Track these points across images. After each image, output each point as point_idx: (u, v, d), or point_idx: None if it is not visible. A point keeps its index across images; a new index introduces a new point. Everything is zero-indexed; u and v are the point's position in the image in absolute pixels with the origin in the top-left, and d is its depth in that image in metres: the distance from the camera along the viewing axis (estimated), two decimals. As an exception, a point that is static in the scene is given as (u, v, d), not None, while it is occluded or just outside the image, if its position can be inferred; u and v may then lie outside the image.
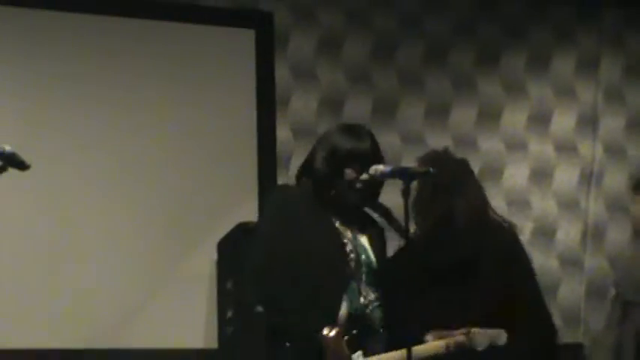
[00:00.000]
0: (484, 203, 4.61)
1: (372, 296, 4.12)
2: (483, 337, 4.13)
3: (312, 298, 4.00)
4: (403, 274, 4.47)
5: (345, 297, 4.05)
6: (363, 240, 4.20)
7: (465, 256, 4.31)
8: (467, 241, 4.33)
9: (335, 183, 4.14)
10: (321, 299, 4.02)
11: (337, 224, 4.16)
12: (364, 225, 4.26)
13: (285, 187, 4.43)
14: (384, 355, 4.04)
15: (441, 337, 4.15)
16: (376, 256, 4.21)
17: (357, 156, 4.14)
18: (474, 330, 4.13)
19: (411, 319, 4.28)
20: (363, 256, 4.15)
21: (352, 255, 4.12)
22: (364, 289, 4.11)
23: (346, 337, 3.97)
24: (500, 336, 4.18)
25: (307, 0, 6.59)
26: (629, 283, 4.96)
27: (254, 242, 4.22)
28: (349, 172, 4.13)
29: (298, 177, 4.28)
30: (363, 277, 4.12)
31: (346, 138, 4.19)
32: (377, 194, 4.27)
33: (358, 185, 4.13)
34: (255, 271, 4.13)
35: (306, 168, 4.25)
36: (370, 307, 4.10)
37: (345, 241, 4.13)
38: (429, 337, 4.14)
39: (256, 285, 4.12)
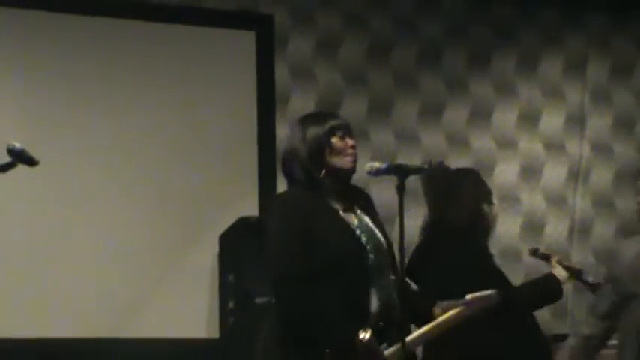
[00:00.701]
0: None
1: (391, 278, 4.05)
2: (478, 302, 4.13)
3: (343, 298, 3.91)
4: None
5: (373, 290, 3.98)
6: (367, 220, 4.12)
7: None
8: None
9: (324, 161, 4.07)
10: (353, 298, 3.94)
11: (341, 213, 4.07)
12: (361, 201, 4.19)
13: (284, 192, 4.34)
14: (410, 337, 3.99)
15: (447, 308, 4.15)
16: (381, 230, 4.12)
17: (338, 127, 4.10)
18: (471, 296, 4.11)
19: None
20: (374, 240, 4.05)
21: (369, 246, 4.02)
22: (385, 273, 4.04)
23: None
24: (492, 296, 4.17)
25: (306, 3, 6.60)
26: (631, 275, 4.95)
27: (269, 250, 4.04)
28: (336, 140, 4.07)
29: (289, 176, 4.18)
30: (382, 259, 4.03)
31: (319, 119, 4.17)
32: None
33: (349, 151, 4.07)
34: (277, 279, 3.96)
35: (289, 165, 4.15)
36: (393, 295, 4.03)
37: (358, 231, 4.04)
38: (436, 309, 4.13)
39: (281, 292, 3.95)
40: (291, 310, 3.92)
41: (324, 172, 4.07)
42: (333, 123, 4.12)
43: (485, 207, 4.80)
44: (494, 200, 4.90)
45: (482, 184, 4.92)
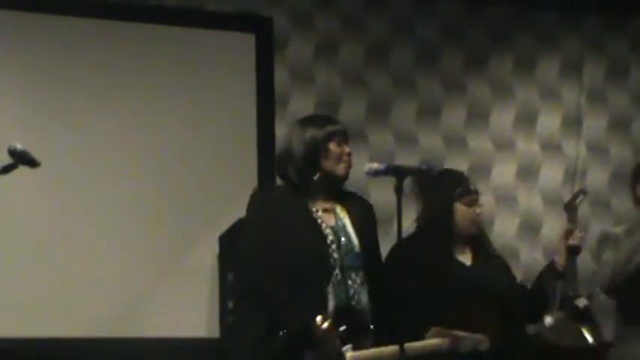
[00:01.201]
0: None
1: (358, 280, 4.09)
2: (468, 341, 4.21)
3: (300, 290, 3.97)
4: (404, 270, 4.47)
5: (330, 290, 4.02)
6: (347, 223, 4.17)
7: None
8: None
9: (319, 164, 4.12)
10: (309, 291, 3.99)
11: (320, 212, 4.13)
12: (348, 202, 4.23)
13: (264, 188, 4.40)
14: (377, 349, 4.00)
15: (441, 335, 4.16)
16: (360, 233, 4.17)
17: (337, 133, 4.15)
18: (461, 334, 4.20)
19: (411, 315, 4.28)
20: (344, 239, 4.11)
21: (334, 245, 4.08)
22: (350, 274, 4.08)
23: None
24: (483, 342, 4.27)
25: (305, 6, 6.58)
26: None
27: (242, 241, 4.22)
28: (333, 146, 4.12)
29: (282, 175, 4.25)
30: (346, 261, 4.08)
31: (320, 122, 4.22)
32: None
33: (345, 158, 4.12)
34: (244, 266, 4.14)
35: (284, 164, 4.21)
36: (356, 298, 4.07)
37: (327, 230, 4.09)
38: (431, 332, 4.17)
39: (246, 277, 4.13)
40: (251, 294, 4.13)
41: (318, 175, 4.13)
42: (331, 128, 4.17)
43: (457, 208, 4.73)
44: (480, 202, 4.81)
45: (456, 186, 4.83)
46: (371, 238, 4.24)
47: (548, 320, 4.56)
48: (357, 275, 4.10)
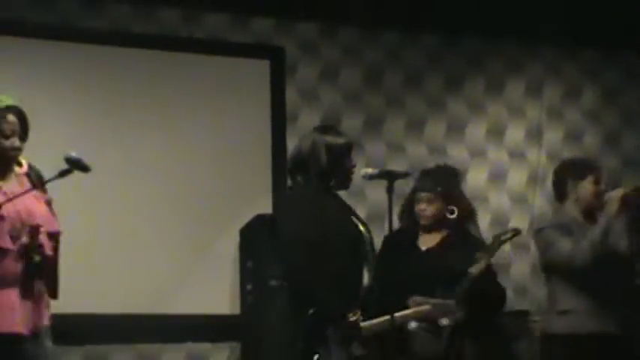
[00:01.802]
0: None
1: (362, 264, 4.09)
2: (443, 307, 4.23)
3: (339, 277, 3.92)
4: (393, 255, 4.48)
5: (364, 271, 4.02)
6: (353, 219, 4.15)
7: None
8: None
9: (335, 172, 4.09)
10: (348, 277, 3.97)
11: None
12: (346, 205, 4.21)
13: (291, 190, 4.33)
14: (378, 319, 4.01)
15: (419, 303, 4.15)
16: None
17: (348, 148, 4.14)
18: (436, 301, 4.20)
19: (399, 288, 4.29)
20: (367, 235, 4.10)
21: (364, 236, 4.08)
22: (371, 257, 4.10)
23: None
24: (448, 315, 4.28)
25: (312, 37, 6.57)
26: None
27: (280, 234, 4.09)
28: (348, 161, 4.12)
29: (292, 175, 4.20)
30: (368, 248, 4.10)
31: (332, 137, 4.16)
32: None
33: (353, 171, 4.13)
34: (283, 257, 4.06)
35: (301, 166, 4.14)
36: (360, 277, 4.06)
37: (356, 224, 4.09)
38: (411, 301, 4.20)
39: (286, 266, 4.04)
40: (300, 289, 3.95)
41: (333, 181, 4.12)
42: (347, 144, 4.15)
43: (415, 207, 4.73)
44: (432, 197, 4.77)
45: (417, 181, 4.83)
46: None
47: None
48: (363, 259, 4.09)
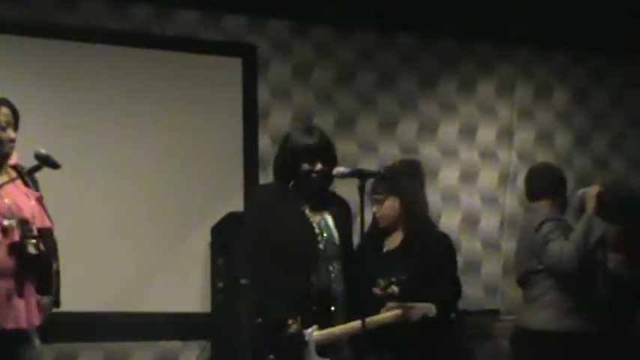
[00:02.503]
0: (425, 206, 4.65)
1: (336, 269, 4.09)
2: (418, 310, 4.15)
3: (289, 275, 3.97)
4: (367, 257, 4.45)
5: (314, 276, 4.02)
6: (329, 220, 4.15)
7: None
8: None
9: (295, 175, 4.12)
10: (297, 276, 3.99)
11: (307, 210, 4.12)
12: (329, 206, 4.21)
13: (264, 185, 4.37)
14: (340, 326, 4.00)
15: (393, 308, 4.14)
16: (340, 231, 4.16)
17: (309, 151, 4.11)
18: (411, 304, 4.14)
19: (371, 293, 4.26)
20: (326, 235, 4.10)
21: (319, 237, 4.09)
22: (330, 263, 4.08)
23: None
24: (432, 309, 4.19)
25: (284, 36, 6.57)
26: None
27: (244, 231, 4.18)
28: (304, 166, 4.10)
29: (275, 174, 4.24)
30: (331, 253, 4.09)
31: (300, 137, 4.17)
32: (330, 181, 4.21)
33: (313, 175, 4.10)
34: (245, 256, 4.13)
35: (275, 166, 4.23)
36: (335, 282, 4.07)
37: (314, 225, 4.10)
38: (386, 307, 4.14)
39: (246, 266, 4.12)
40: (256, 291, 4.04)
41: (292, 183, 4.14)
42: (306, 147, 4.12)
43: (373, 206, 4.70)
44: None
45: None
46: (347, 234, 4.23)
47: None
48: (336, 264, 4.10)
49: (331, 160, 4.14)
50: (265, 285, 3.99)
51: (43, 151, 3.95)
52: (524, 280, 4.96)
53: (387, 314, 4.11)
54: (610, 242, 4.95)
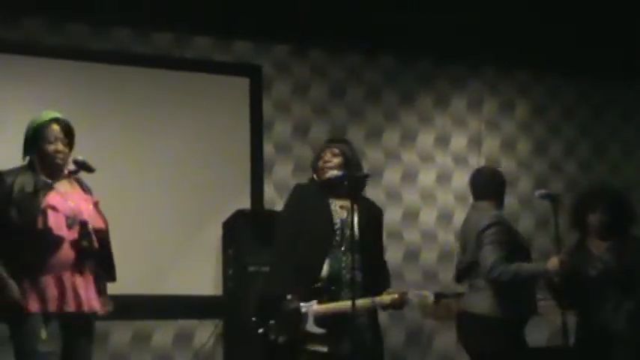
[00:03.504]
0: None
1: (348, 260, 3.95)
2: (414, 297, 4.03)
3: (304, 261, 3.95)
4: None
5: (327, 261, 3.97)
6: (355, 216, 4.02)
7: None
8: None
9: (314, 169, 4.18)
10: (310, 262, 3.96)
11: (336, 207, 4.07)
12: (361, 205, 4.12)
13: (301, 184, 4.27)
14: (341, 302, 3.91)
15: (395, 293, 4.01)
16: (361, 227, 4.05)
17: (324, 149, 4.18)
18: (410, 291, 4.04)
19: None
20: (348, 231, 3.98)
21: (338, 231, 4.01)
22: (344, 255, 3.99)
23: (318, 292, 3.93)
24: (428, 296, 4.06)
25: (285, 58, 6.58)
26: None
27: (278, 222, 4.18)
28: (320, 163, 4.13)
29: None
30: (344, 246, 3.99)
31: (326, 142, 4.27)
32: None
33: (326, 166, 4.11)
34: (278, 244, 4.07)
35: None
36: (345, 270, 3.97)
37: (336, 220, 4.03)
38: (391, 290, 4.04)
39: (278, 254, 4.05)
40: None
41: (313, 176, 4.18)
42: (325, 145, 4.22)
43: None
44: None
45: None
46: (372, 234, 4.13)
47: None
48: (349, 257, 3.97)
49: (345, 156, 4.19)
50: (276, 262, 4.00)
51: (80, 157, 4.00)
52: (468, 269, 4.85)
53: (386, 296, 3.96)
54: (596, 229, 4.81)
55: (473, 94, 7.17)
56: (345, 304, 3.85)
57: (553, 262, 4.52)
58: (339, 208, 4.08)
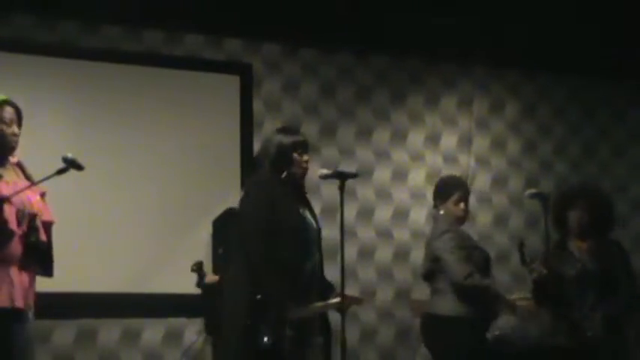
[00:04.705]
0: None
1: (317, 254, 4.01)
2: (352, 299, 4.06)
3: (283, 266, 3.82)
4: None
5: (308, 256, 3.94)
6: (306, 211, 4.06)
7: None
8: None
9: (285, 165, 4.03)
10: (295, 261, 3.89)
11: (297, 203, 4.03)
12: (304, 199, 4.13)
13: (261, 176, 4.10)
14: (318, 304, 3.90)
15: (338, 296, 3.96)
16: (315, 220, 4.08)
17: (300, 144, 4.08)
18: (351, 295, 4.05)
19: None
20: (310, 224, 4.01)
21: (308, 225, 3.99)
22: (314, 247, 4.00)
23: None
24: (362, 301, 4.18)
25: (275, 56, 6.58)
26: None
27: (242, 216, 4.01)
28: (296, 156, 4.05)
29: (255, 167, 4.16)
30: (314, 238, 4.01)
31: (287, 134, 4.12)
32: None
33: (303, 166, 4.06)
34: (242, 239, 3.91)
35: (259, 159, 4.11)
36: (316, 264, 3.98)
37: (302, 214, 4.00)
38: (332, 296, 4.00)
39: (244, 248, 3.88)
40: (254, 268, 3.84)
41: (285, 173, 4.04)
42: (296, 139, 4.10)
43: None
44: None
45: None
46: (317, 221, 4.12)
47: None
48: (317, 249, 4.01)
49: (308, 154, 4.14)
50: (267, 267, 3.77)
51: (69, 155, 3.95)
52: (430, 274, 4.94)
53: (332, 301, 3.92)
54: (574, 230, 4.85)
55: (463, 93, 7.18)
56: (313, 307, 3.84)
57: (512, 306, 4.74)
58: (298, 205, 4.06)
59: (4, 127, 3.84)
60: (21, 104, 3.95)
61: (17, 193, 3.74)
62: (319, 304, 3.87)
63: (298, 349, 3.80)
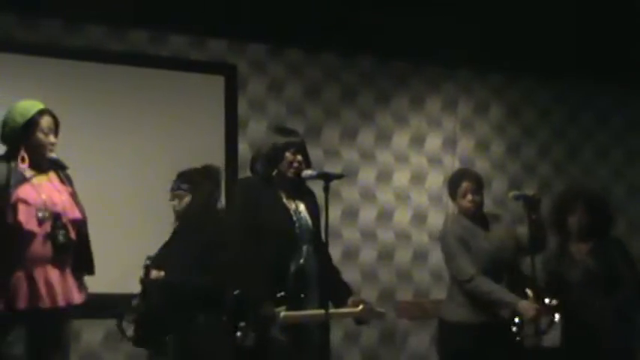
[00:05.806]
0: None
1: (310, 250, 4.00)
2: (371, 313, 4.00)
3: (271, 257, 3.86)
4: None
5: (292, 255, 3.95)
6: (302, 207, 4.10)
7: None
8: None
9: (278, 165, 4.08)
10: (277, 258, 3.90)
11: (284, 199, 4.06)
12: (302, 194, 4.15)
13: (247, 178, 4.21)
14: (307, 311, 3.87)
15: (357, 303, 4.00)
16: (311, 217, 4.10)
17: (293, 144, 4.11)
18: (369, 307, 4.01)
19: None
20: (303, 221, 4.04)
21: (297, 223, 4.02)
22: (305, 245, 4.01)
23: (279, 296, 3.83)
24: (384, 313, 4.12)
25: (260, 57, 6.59)
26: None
27: (228, 217, 4.08)
28: (288, 155, 4.08)
29: (251, 168, 4.21)
30: (305, 236, 4.02)
31: (281, 135, 4.18)
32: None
33: (295, 165, 4.09)
34: (228, 234, 3.97)
35: (255, 160, 4.17)
36: (309, 261, 3.98)
37: (291, 212, 4.04)
38: (350, 301, 4.01)
39: (229, 243, 3.94)
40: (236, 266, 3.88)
41: (275, 171, 4.07)
42: (290, 140, 4.13)
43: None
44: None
45: None
46: (317, 219, 4.15)
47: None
48: (309, 246, 4.02)
49: (305, 154, 4.18)
50: (247, 264, 3.82)
51: (53, 155, 3.98)
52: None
53: (352, 309, 3.94)
54: (574, 233, 4.83)
55: (448, 95, 7.20)
56: (316, 312, 3.81)
57: (527, 310, 4.51)
58: (285, 199, 4.08)
59: (43, 137, 3.89)
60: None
61: None
62: (334, 310, 3.86)
63: (291, 351, 3.82)
